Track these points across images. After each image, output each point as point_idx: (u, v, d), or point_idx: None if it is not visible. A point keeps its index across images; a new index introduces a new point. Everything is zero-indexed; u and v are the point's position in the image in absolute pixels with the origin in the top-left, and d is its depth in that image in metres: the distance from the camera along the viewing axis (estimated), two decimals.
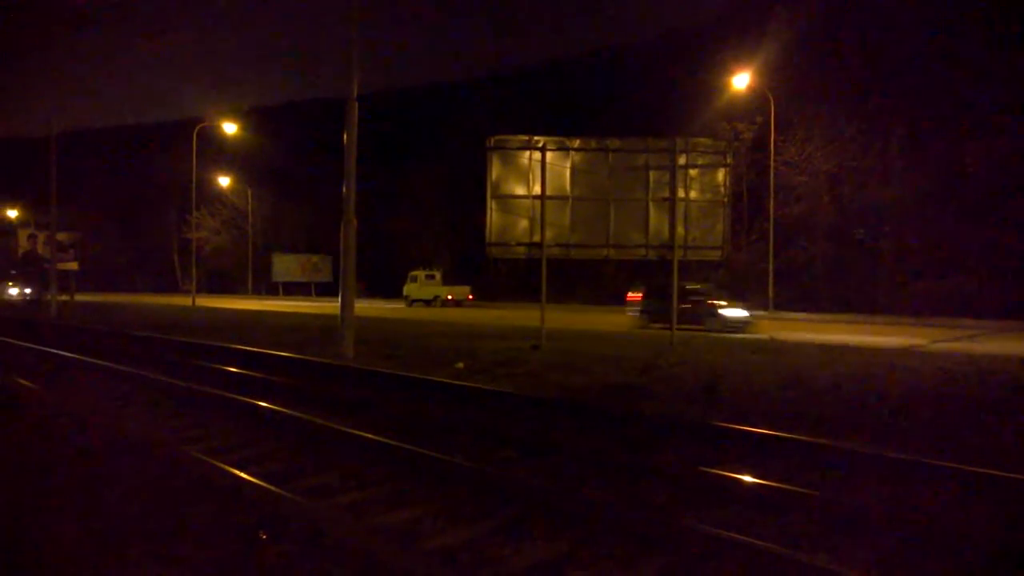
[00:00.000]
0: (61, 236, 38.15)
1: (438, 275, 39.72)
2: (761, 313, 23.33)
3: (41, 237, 42.41)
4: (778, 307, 30.14)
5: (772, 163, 31.79)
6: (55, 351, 12.57)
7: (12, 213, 63.37)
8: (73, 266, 45.18)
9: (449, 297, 37.75)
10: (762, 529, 4.13)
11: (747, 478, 4.84)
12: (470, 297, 39.52)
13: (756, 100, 33.16)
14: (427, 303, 37.97)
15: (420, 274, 39.62)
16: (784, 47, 34.80)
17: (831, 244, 33.33)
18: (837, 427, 6.56)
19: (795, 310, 29.93)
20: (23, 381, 8.76)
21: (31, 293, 47.32)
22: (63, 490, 4.67)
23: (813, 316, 26.96)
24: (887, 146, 31.52)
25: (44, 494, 4.56)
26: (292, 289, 60.42)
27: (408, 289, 39.26)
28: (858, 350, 12.86)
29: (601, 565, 3.68)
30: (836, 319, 25.43)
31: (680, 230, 13.75)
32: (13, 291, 48.82)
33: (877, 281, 31.59)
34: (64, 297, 37.02)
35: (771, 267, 30.57)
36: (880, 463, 5.29)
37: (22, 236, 45.91)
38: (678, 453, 5.85)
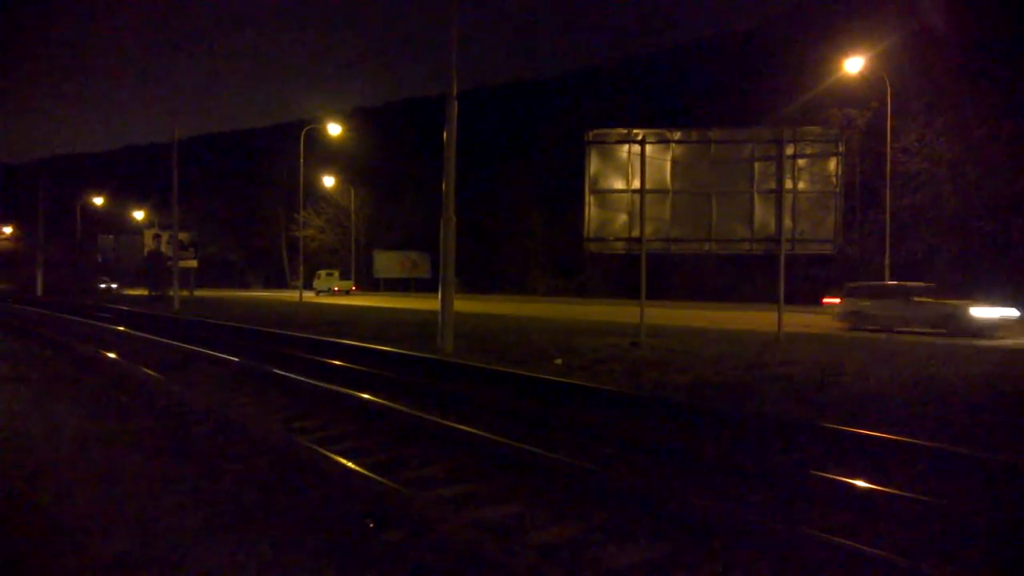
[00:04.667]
0: (182, 235, 40.55)
1: (336, 273, 55.36)
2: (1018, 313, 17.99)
3: (164, 236, 45.21)
4: None
5: (888, 150, 30.12)
6: (175, 343, 13.37)
7: (138, 215, 68.04)
8: (192, 264, 47.95)
9: (335, 288, 51.59)
10: (879, 538, 3.90)
11: (862, 483, 4.57)
12: (353, 288, 54.32)
13: (870, 85, 31.51)
14: (323, 292, 51.88)
15: (323, 272, 55.44)
16: (902, 27, 32.88)
17: (954, 236, 31.26)
18: (960, 432, 6.13)
19: None
20: (148, 371, 9.34)
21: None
22: (186, 475, 4.94)
23: None
24: (1017, 130, 29.24)
25: (170, 478, 4.84)
26: (392, 285, 62.05)
27: (316, 283, 54.08)
28: (985, 349, 12.01)
29: (705, 568, 3.56)
30: None
31: (788, 222, 13.20)
32: None
33: (1006, 275, 29.41)
34: (184, 292, 39.35)
35: (887, 261, 28.98)
36: (1010, 471, 4.90)
37: (147, 236, 49.10)
38: (787, 455, 5.61)
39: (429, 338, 13.72)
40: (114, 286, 56.93)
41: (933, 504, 4.22)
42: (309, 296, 44.78)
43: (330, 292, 52.53)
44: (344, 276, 57.17)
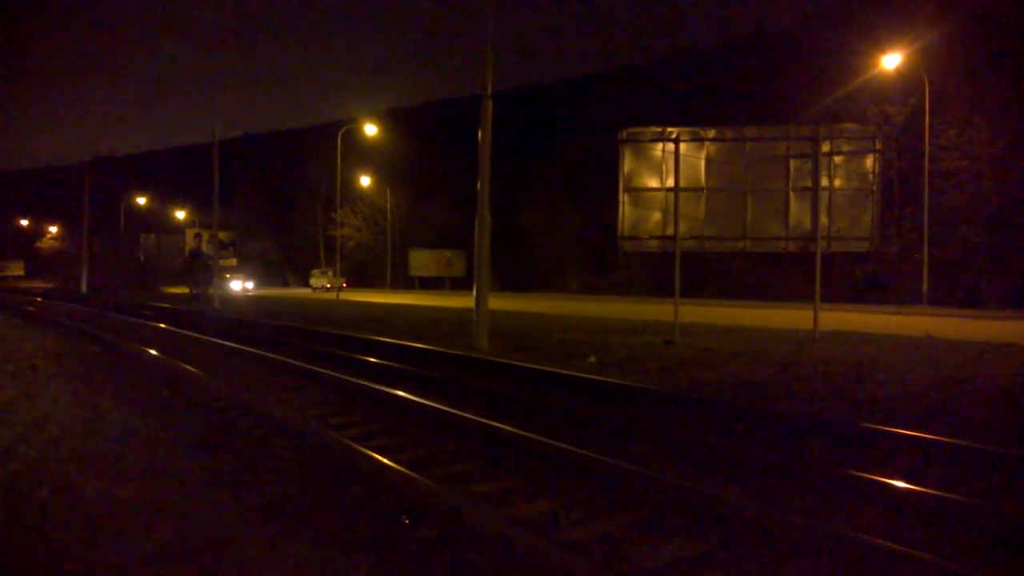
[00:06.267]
0: (222, 234, 41.30)
1: (330, 271, 57.15)
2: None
3: (205, 235, 46.12)
4: (934, 302, 28.02)
5: (927, 147, 29.51)
6: (214, 340, 13.64)
7: (180, 214, 69.50)
8: (232, 262, 48.91)
9: (327, 285, 53.98)
10: (920, 539, 3.86)
11: (902, 484, 4.52)
12: (344, 285, 55.16)
13: (908, 80, 30.91)
14: (317, 288, 55.46)
15: (316, 271, 60.89)
16: (940, 21, 32.14)
17: (996, 234, 30.51)
18: (1002, 433, 6.01)
19: (954, 306, 27.68)
20: (189, 367, 9.56)
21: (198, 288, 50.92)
22: (226, 469, 5.07)
23: (975, 312, 24.81)
24: None
25: (210, 472, 4.96)
26: (427, 283, 62.46)
27: (311, 280, 59.56)
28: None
29: (740, 567, 3.56)
30: (1002, 315, 23.28)
31: (824, 220, 13.03)
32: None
33: None
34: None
35: (926, 259, 28.43)
36: None
37: (189, 235, 50.17)
38: (823, 455, 5.56)
39: (464, 336, 13.81)
40: (249, 285, 54.61)
41: (974, 505, 4.16)
42: (346, 295, 45.48)
43: (323, 289, 54.40)
44: (338, 274, 60.64)
